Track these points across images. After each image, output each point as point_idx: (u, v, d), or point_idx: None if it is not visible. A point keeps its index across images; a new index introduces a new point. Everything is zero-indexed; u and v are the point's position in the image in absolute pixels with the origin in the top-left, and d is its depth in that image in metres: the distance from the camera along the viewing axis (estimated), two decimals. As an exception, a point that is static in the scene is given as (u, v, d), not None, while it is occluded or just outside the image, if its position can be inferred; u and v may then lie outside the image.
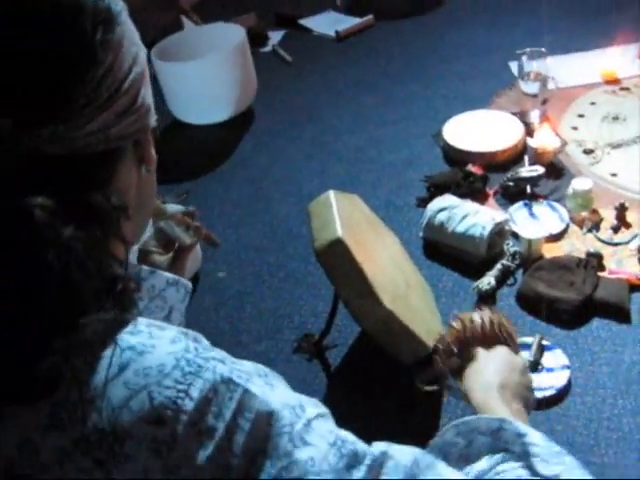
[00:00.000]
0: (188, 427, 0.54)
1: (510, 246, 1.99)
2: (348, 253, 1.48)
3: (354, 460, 0.60)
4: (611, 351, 1.71)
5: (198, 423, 0.55)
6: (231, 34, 2.88)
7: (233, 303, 2.01)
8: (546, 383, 1.63)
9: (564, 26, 3.21)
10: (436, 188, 2.26)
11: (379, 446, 0.64)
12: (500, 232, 2.00)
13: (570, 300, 1.79)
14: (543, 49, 2.49)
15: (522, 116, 2.54)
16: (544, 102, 2.54)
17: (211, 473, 0.54)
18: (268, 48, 3.59)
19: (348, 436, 0.63)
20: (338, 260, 1.49)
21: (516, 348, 1.23)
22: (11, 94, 0.58)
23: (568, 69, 2.83)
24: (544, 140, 2.33)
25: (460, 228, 2.00)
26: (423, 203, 2.21)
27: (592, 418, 1.57)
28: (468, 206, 2.06)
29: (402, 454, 0.64)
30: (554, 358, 1.69)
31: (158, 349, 0.58)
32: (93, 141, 0.60)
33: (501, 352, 1.12)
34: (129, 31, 0.68)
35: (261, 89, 3.03)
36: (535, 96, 2.49)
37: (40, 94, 0.58)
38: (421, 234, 2.11)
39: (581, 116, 2.59)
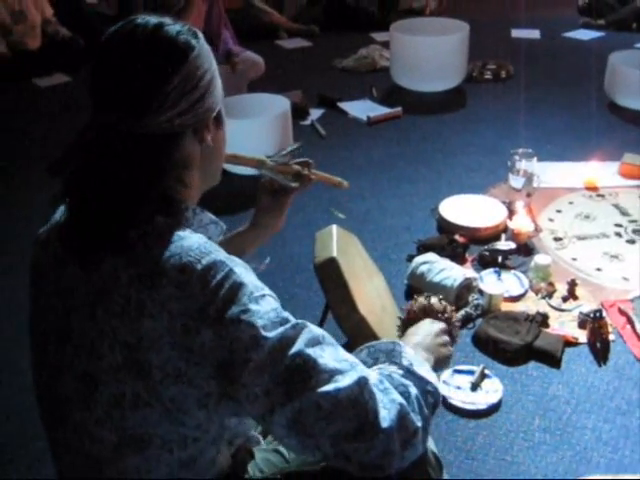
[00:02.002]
0: (196, 278, 0.96)
1: (475, 299, 2.43)
2: (338, 269, 1.93)
3: (284, 321, 1.00)
4: (538, 386, 2.12)
5: (202, 277, 0.96)
6: (278, 104, 3.45)
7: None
8: (481, 400, 2.04)
9: (561, 140, 3.74)
10: (424, 248, 2.72)
11: (304, 321, 1.03)
12: (468, 286, 2.45)
13: (512, 344, 2.21)
14: (530, 150, 2.98)
15: (509, 204, 3.01)
16: (528, 195, 3.03)
17: (201, 303, 0.94)
18: (307, 122, 4.16)
19: (285, 312, 1.03)
20: (330, 273, 1.94)
21: (450, 322, 1.57)
22: (117, 100, 1.04)
23: (557, 173, 3.34)
24: (520, 224, 2.80)
25: (436, 278, 2.45)
26: (412, 259, 2.66)
27: (512, 430, 1.98)
28: (446, 263, 2.52)
29: (316, 329, 1.04)
30: (491, 384, 2.10)
31: (191, 239, 1.01)
32: (163, 127, 1.04)
33: (423, 323, 1.43)
34: (200, 60, 1.08)
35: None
36: (519, 190, 2.97)
37: (132, 100, 1.03)
38: (406, 281, 2.56)
39: (559, 211, 3.07)
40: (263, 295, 1.00)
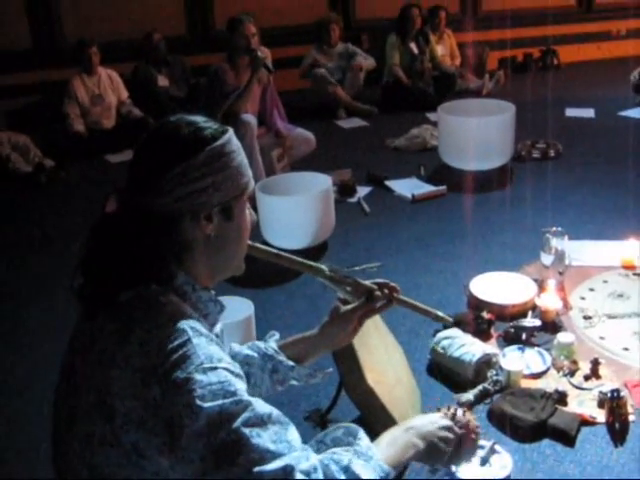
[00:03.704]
0: (157, 339, 1.07)
1: (494, 374, 2.47)
2: (348, 341, 2.03)
3: (228, 395, 1.07)
4: (549, 464, 2.13)
5: (162, 340, 1.08)
6: (320, 182, 3.62)
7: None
8: (489, 476, 2.07)
9: (603, 218, 3.77)
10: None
11: (251, 398, 1.11)
12: (488, 362, 2.49)
13: (526, 420, 2.23)
14: (560, 228, 3.02)
15: (540, 282, 3.04)
16: (561, 273, 3.06)
17: (154, 362, 1.05)
18: (354, 199, 4.32)
19: (238, 384, 1.10)
20: (341, 345, 2.04)
21: (465, 443, 1.58)
22: (131, 179, 1.20)
23: (593, 252, 3.36)
24: (548, 301, 2.83)
25: (456, 353, 2.50)
26: (436, 334, 2.72)
27: (516, 506, 1.99)
28: (467, 338, 2.58)
29: (262, 407, 1.11)
30: (501, 460, 2.12)
31: (167, 307, 1.12)
32: (163, 208, 1.18)
33: (434, 415, 1.51)
34: (210, 159, 1.20)
35: (338, 229, 3.72)
36: (548, 268, 3.01)
37: (139, 181, 1.19)
38: (428, 356, 2.63)
39: (592, 290, 3.08)
40: (214, 367, 1.09)
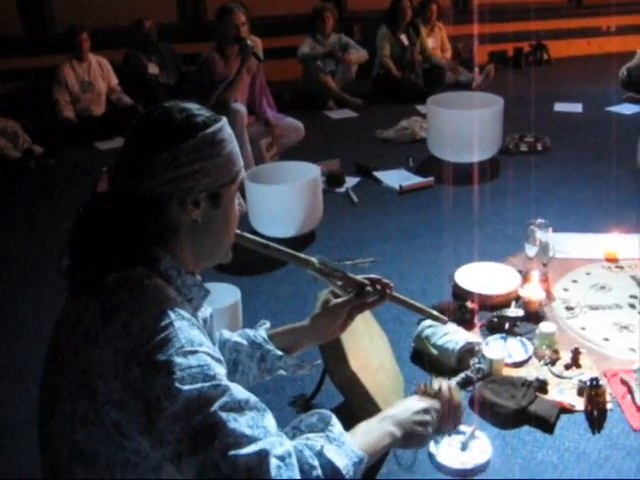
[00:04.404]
0: (139, 322, 1.09)
1: (476, 363, 2.51)
2: (333, 327, 2.06)
3: (207, 379, 1.08)
4: (528, 450, 2.17)
5: (144, 322, 1.09)
6: (308, 171, 3.65)
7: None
8: (469, 460, 2.11)
9: (588, 211, 3.81)
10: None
11: (230, 383, 1.12)
12: (471, 350, 2.53)
13: (507, 407, 2.28)
14: (544, 221, 3.06)
15: (525, 273, 3.09)
16: (545, 265, 3.10)
17: (136, 344, 1.07)
18: (342, 189, 4.35)
19: (218, 368, 1.12)
20: (325, 331, 2.07)
21: (446, 417, 1.59)
22: (120, 162, 1.23)
23: (576, 244, 3.40)
24: (531, 292, 2.87)
25: (439, 342, 2.54)
26: (420, 322, 2.76)
27: (495, 490, 2.03)
28: (450, 327, 2.61)
29: (240, 392, 1.12)
30: (481, 445, 2.16)
31: (151, 290, 1.14)
32: (151, 191, 1.20)
33: (409, 399, 1.53)
34: (200, 145, 1.22)
35: (326, 219, 3.74)
36: (532, 259, 3.06)
37: (128, 165, 1.21)
38: (412, 344, 2.66)
39: (575, 281, 3.13)
40: (195, 351, 1.10)
